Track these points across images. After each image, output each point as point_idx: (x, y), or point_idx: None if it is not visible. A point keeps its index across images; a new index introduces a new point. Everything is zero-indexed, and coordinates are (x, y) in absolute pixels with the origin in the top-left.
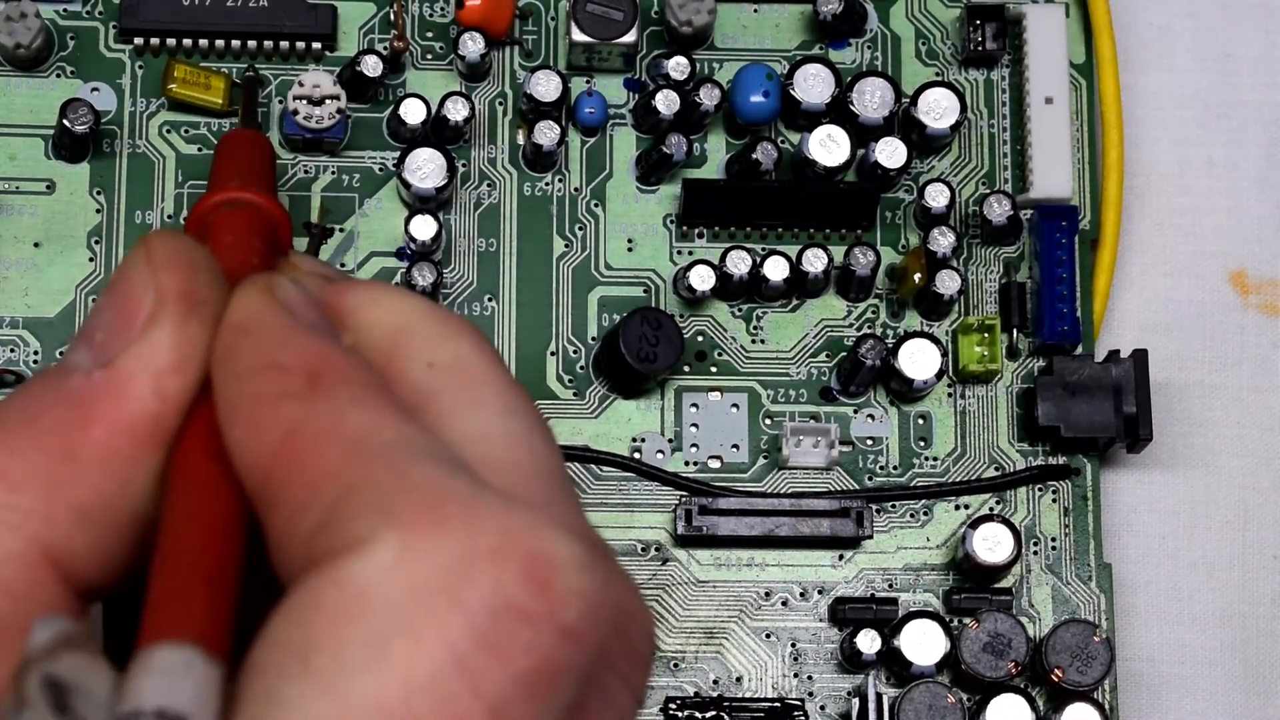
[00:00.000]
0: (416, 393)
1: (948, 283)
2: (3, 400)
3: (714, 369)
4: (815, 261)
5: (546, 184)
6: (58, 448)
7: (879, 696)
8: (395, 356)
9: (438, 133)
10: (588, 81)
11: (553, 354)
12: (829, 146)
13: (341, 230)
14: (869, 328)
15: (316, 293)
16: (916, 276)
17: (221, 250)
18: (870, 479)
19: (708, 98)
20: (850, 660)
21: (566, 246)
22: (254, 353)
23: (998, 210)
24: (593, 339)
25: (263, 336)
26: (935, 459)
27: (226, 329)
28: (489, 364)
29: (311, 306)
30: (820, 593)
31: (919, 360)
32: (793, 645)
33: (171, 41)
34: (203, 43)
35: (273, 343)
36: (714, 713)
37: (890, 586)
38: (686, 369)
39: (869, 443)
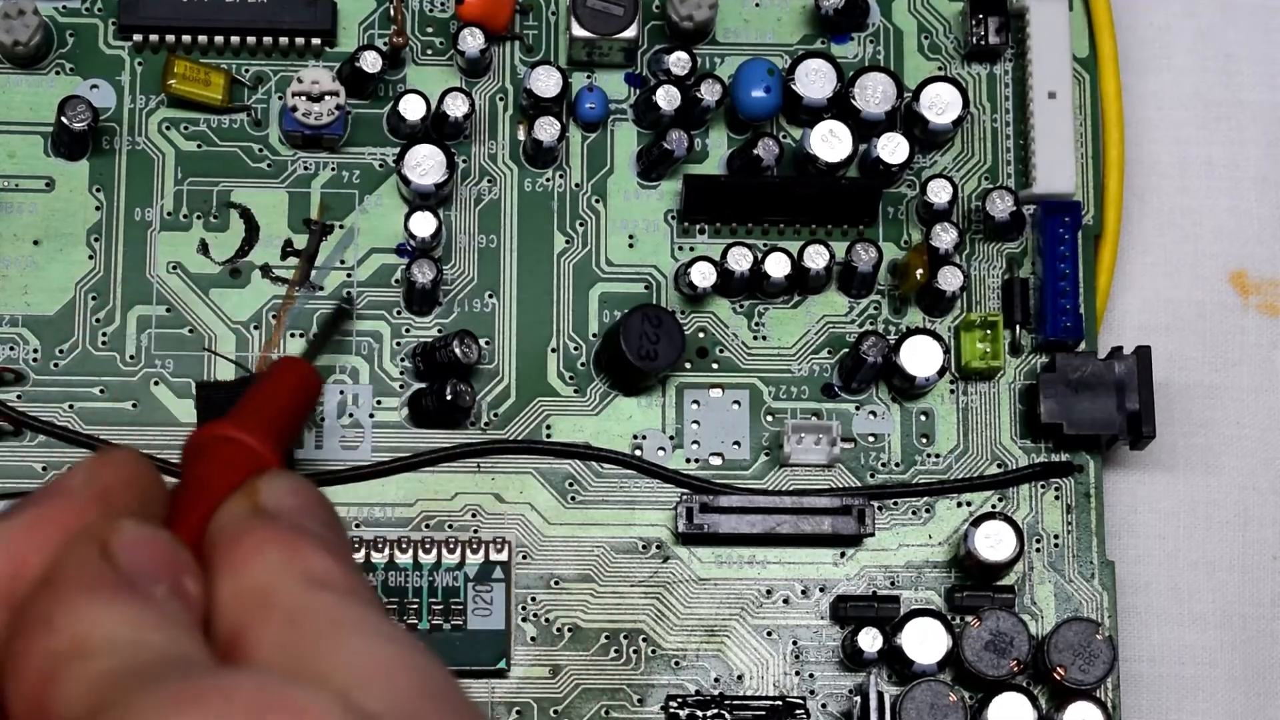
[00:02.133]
0: (287, 608)
1: (950, 279)
2: None
3: (715, 366)
4: (817, 258)
5: (547, 180)
6: None
7: (880, 695)
8: (271, 556)
9: (438, 129)
10: (588, 77)
11: (553, 351)
12: (831, 142)
13: (341, 227)
14: (871, 324)
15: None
16: (919, 273)
17: (199, 480)
18: (872, 476)
19: (709, 93)
20: (852, 658)
21: (567, 243)
22: (38, 606)
23: (1000, 206)
24: (594, 336)
25: (55, 593)
26: (937, 456)
27: (42, 582)
28: (365, 589)
29: (152, 546)
30: (821, 590)
31: (921, 357)
32: (794, 643)
33: (171, 38)
34: (202, 39)
35: (59, 602)
36: (715, 711)
37: (892, 584)
38: (688, 366)
39: (871, 440)
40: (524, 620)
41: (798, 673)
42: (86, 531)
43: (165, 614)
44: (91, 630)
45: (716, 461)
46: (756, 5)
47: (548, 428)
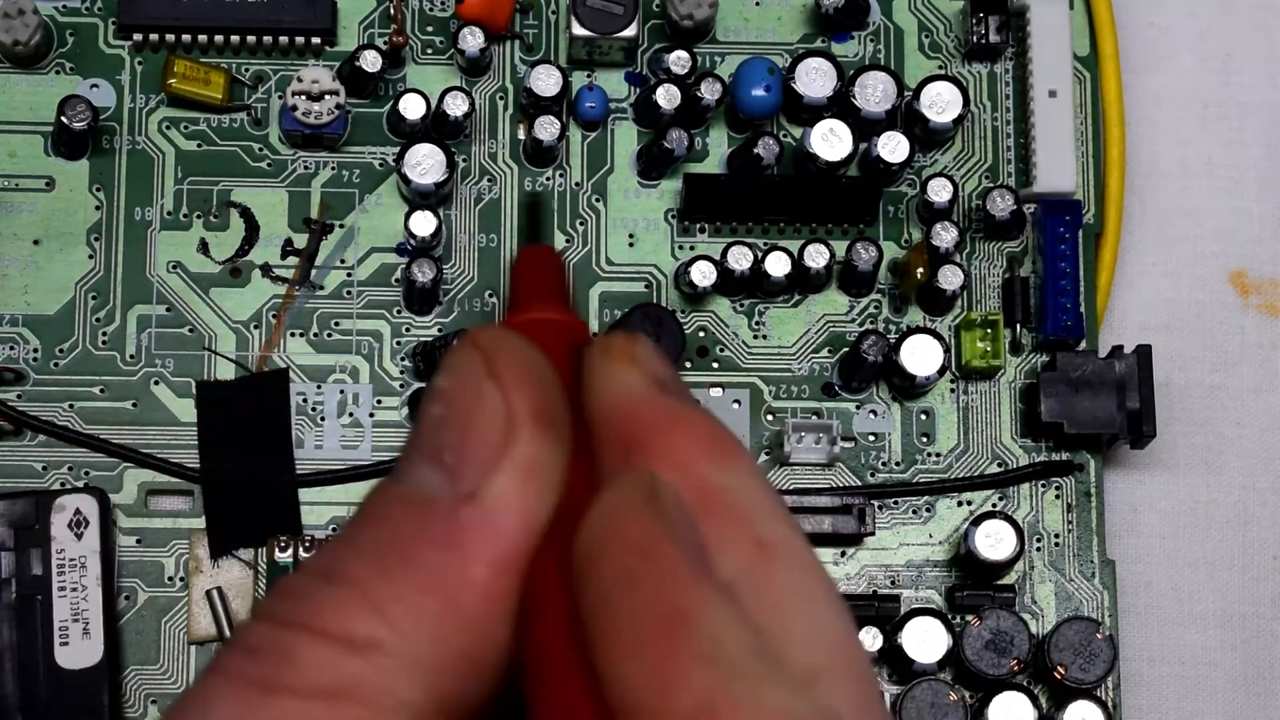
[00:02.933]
0: (738, 573)
1: (950, 278)
2: (358, 528)
3: (715, 365)
4: (817, 257)
5: (547, 179)
6: (441, 591)
7: (880, 694)
8: (716, 522)
9: (438, 128)
10: (588, 76)
11: None
12: (831, 141)
13: (341, 226)
14: (871, 323)
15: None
16: (919, 272)
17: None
18: (872, 475)
19: (709, 92)
20: None
21: (567, 242)
22: (664, 591)
23: (1001, 205)
24: (594, 335)
25: (666, 576)
26: (938, 455)
27: (629, 547)
28: (809, 548)
29: (688, 523)
30: None
31: (921, 356)
32: None
33: (171, 37)
34: (202, 38)
35: (679, 588)
36: None
37: (892, 583)
38: (688, 365)
39: (871, 439)
40: None
41: None
42: (641, 492)
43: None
44: (721, 633)
45: None
46: (757, 4)
47: None
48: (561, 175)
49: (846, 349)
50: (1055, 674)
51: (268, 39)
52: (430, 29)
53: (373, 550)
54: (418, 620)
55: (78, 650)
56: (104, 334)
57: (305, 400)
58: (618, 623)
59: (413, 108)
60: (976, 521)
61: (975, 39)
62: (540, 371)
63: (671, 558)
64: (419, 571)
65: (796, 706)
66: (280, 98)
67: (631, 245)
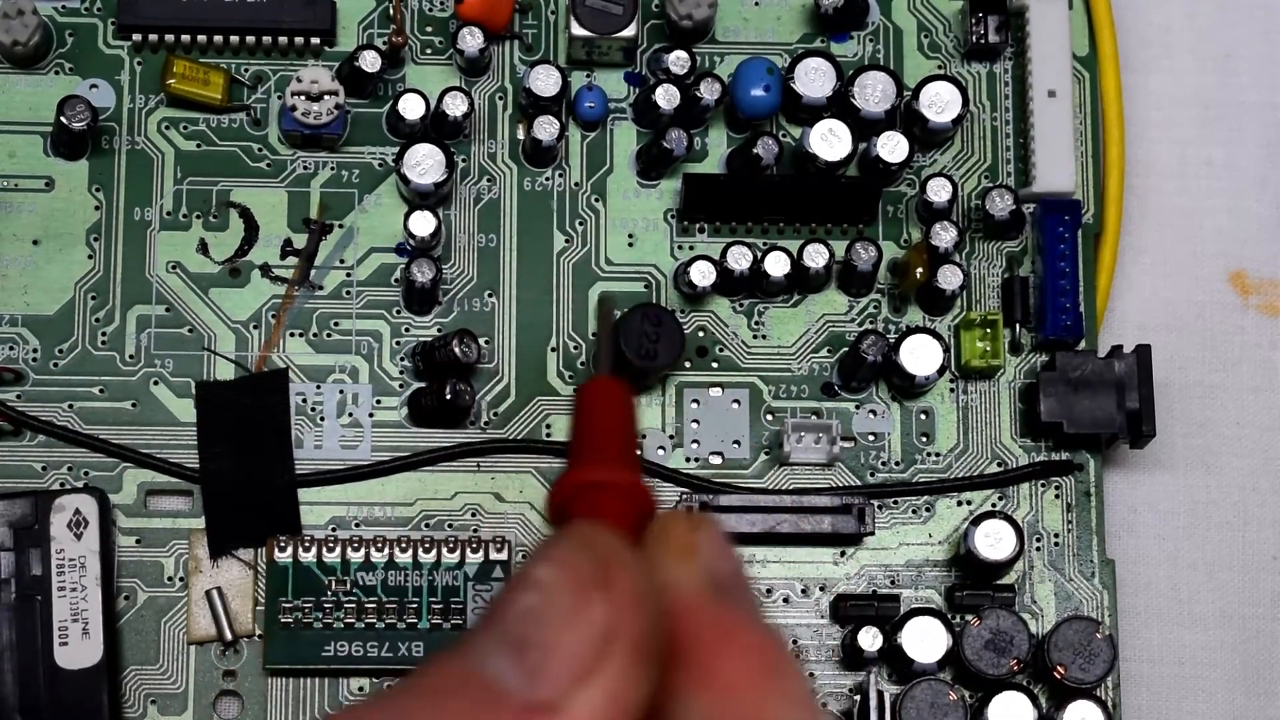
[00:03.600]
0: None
1: (950, 278)
2: (414, 700)
3: (715, 365)
4: (816, 257)
5: (546, 179)
6: None
7: (880, 694)
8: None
9: (437, 128)
10: (588, 76)
11: (553, 350)
12: (830, 141)
13: (341, 226)
14: (871, 323)
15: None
16: (918, 271)
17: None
18: (872, 475)
19: (708, 92)
20: (852, 657)
21: (567, 242)
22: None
23: (1000, 204)
24: (593, 335)
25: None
26: (937, 455)
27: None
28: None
29: None
30: (822, 589)
31: (921, 356)
32: (794, 642)
33: (170, 37)
34: (201, 38)
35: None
36: None
37: (892, 583)
38: (687, 365)
39: (871, 439)
40: None
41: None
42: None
43: None
44: None
45: (716, 460)
46: (756, 4)
47: (547, 427)
48: (561, 175)
49: (846, 349)
50: (1055, 674)
51: (267, 39)
52: (429, 29)
53: None
54: None
55: (77, 650)
56: (103, 334)
57: (305, 400)
58: None
59: (412, 108)
60: (976, 521)
61: (974, 39)
62: (649, 596)
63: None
64: None
65: None
66: (279, 98)
67: (631, 245)
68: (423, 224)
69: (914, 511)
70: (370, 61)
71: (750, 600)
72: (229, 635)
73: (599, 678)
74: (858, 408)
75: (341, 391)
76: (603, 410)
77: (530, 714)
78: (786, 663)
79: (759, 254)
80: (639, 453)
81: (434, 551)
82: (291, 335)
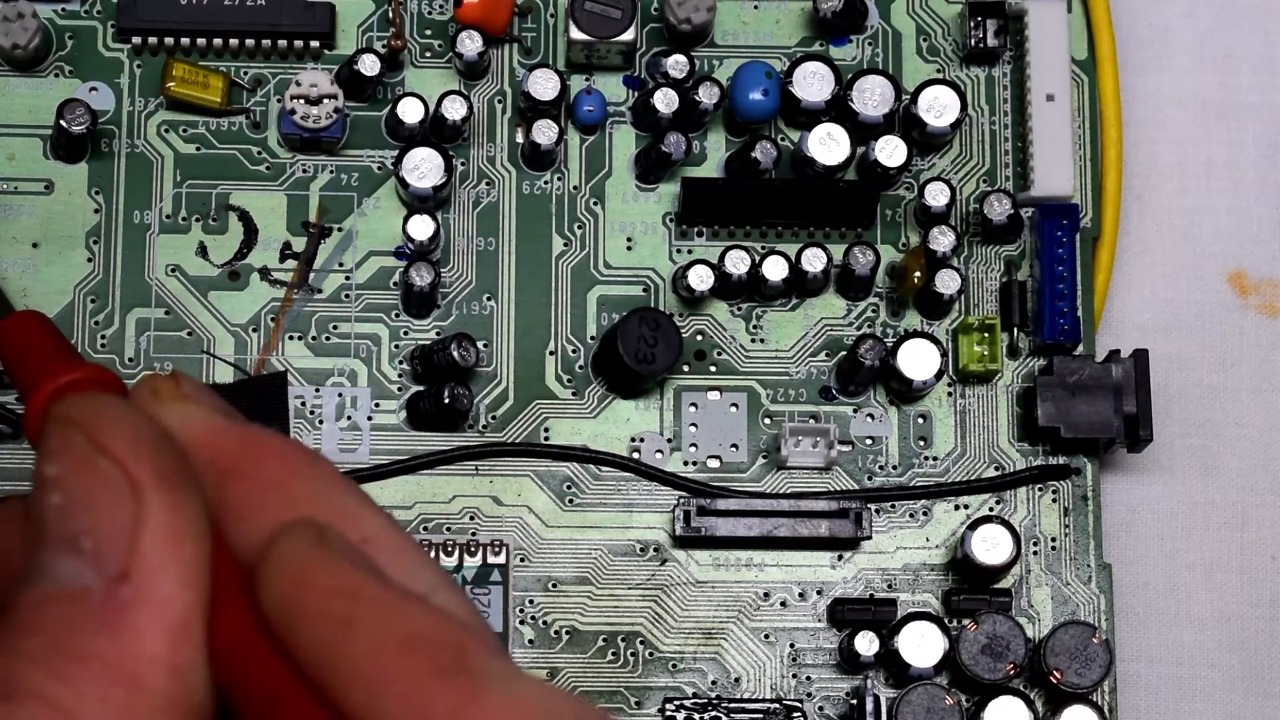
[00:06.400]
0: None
1: (948, 282)
2: (19, 639)
3: (713, 368)
4: (815, 261)
5: (545, 183)
6: (124, 678)
7: (877, 698)
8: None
9: (436, 131)
10: (586, 79)
11: (551, 353)
12: (829, 145)
13: (339, 230)
14: (869, 327)
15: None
16: (916, 276)
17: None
18: (869, 479)
19: (707, 96)
20: (849, 661)
21: (565, 245)
22: (383, 623)
23: (998, 208)
24: (592, 338)
25: (380, 605)
26: (935, 459)
27: (330, 594)
28: (399, 531)
29: (358, 550)
30: (819, 593)
31: (918, 360)
32: (791, 646)
33: (169, 41)
34: (200, 42)
35: (397, 612)
36: (712, 713)
37: (889, 587)
38: (685, 368)
39: (868, 443)
40: (522, 623)
41: (795, 675)
42: (315, 539)
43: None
44: (462, 636)
45: (714, 464)
46: (755, 8)
47: (545, 430)
48: (560, 179)
49: (844, 353)
50: (1051, 678)
51: (266, 42)
52: (428, 32)
53: (43, 657)
54: (112, 713)
55: None
56: (103, 337)
57: (304, 403)
58: (354, 663)
59: (411, 111)
60: (973, 525)
61: (973, 43)
62: (149, 429)
63: (372, 589)
64: (95, 666)
65: (547, 692)
66: (279, 101)
67: (629, 249)
68: (421, 227)
69: (911, 516)
70: (369, 65)
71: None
72: None
73: (148, 522)
74: (855, 412)
75: (340, 395)
76: (20, 340)
77: (112, 592)
78: (310, 454)
79: (757, 258)
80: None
81: (432, 555)
82: (290, 338)
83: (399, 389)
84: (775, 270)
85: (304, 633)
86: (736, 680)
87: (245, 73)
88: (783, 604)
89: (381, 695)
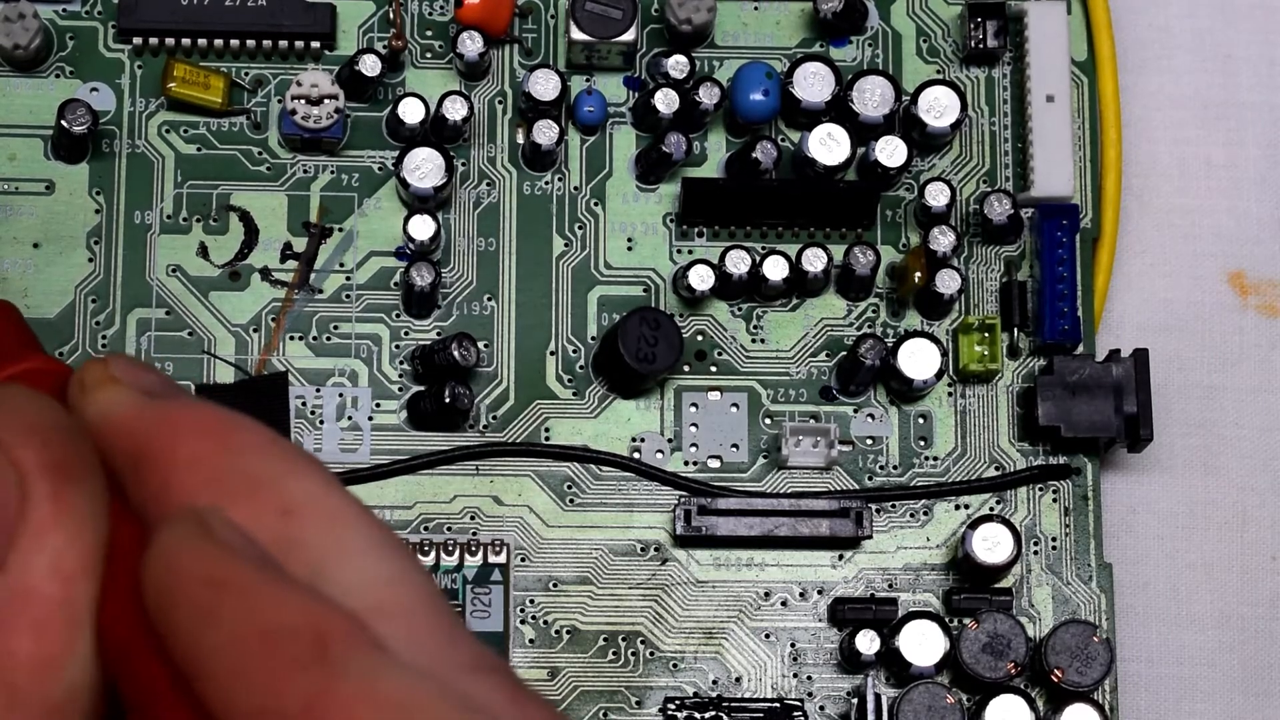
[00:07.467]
0: (275, 547)
1: (948, 282)
2: None
3: (714, 368)
4: (815, 261)
5: (546, 183)
6: None
7: (878, 697)
8: (240, 506)
9: (436, 132)
10: (587, 80)
11: (552, 354)
12: (829, 145)
13: (340, 230)
14: (869, 327)
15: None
16: (917, 276)
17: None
18: (870, 479)
19: (707, 96)
20: (849, 661)
21: (566, 246)
22: (244, 613)
23: (998, 209)
24: (592, 338)
25: (245, 594)
26: (935, 459)
27: (197, 583)
28: (342, 497)
29: (246, 537)
30: (820, 593)
31: (919, 360)
32: (792, 645)
33: (170, 41)
34: (201, 42)
35: (261, 601)
36: (713, 713)
37: (890, 587)
38: (686, 369)
39: (869, 442)
40: (522, 623)
41: (795, 675)
42: (193, 528)
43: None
44: (327, 624)
45: (715, 464)
46: (755, 9)
47: (546, 430)
48: (560, 179)
49: (844, 353)
50: (1052, 677)
51: (267, 43)
52: (429, 33)
53: None
54: None
55: None
56: (104, 337)
57: (304, 404)
58: (213, 657)
59: (412, 112)
60: (974, 525)
61: (973, 44)
62: (46, 417)
63: (241, 579)
64: None
65: (411, 684)
66: (279, 102)
67: (630, 249)
68: (422, 228)
69: (912, 515)
70: (370, 65)
71: (183, 392)
72: None
73: (27, 520)
74: (856, 411)
75: (341, 395)
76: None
77: None
78: (229, 421)
79: (758, 258)
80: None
81: (432, 554)
82: (291, 339)
83: (400, 389)
84: (776, 270)
85: (172, 624)
86: (737, 680)
87: (246, 73)
88: (783, 603)
89: (237, 690)
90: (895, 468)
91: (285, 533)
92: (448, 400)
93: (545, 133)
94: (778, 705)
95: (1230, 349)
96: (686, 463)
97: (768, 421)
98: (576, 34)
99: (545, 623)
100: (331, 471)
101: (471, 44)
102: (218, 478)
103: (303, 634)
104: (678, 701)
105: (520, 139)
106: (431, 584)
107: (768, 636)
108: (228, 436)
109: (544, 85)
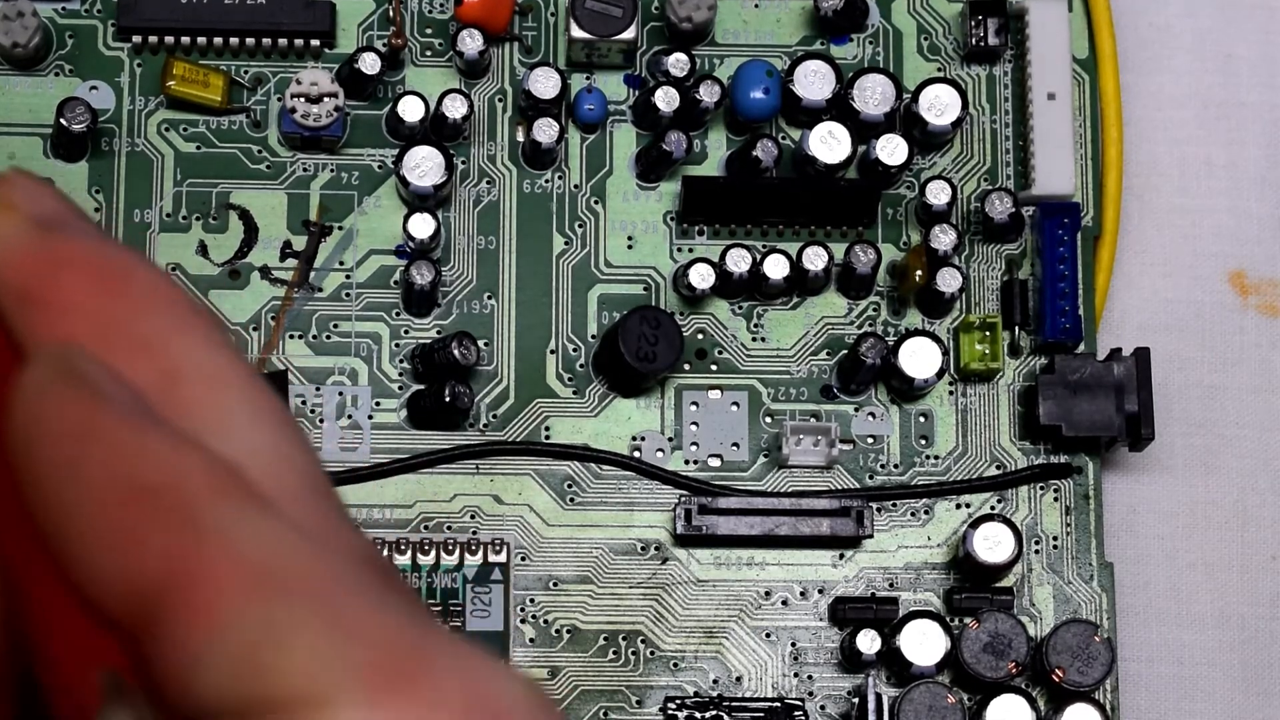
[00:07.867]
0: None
1: (949, 280)
2: None
3: (714, 367)
4: (816, 259)
5: (546, 181)
6: None
7: (879, 696)
8: (122, 358)
9: (436, 130)
10: (587, 78)
11: (552, 352)
12: (830, 143)
13: (340, 228)
14: (870, 326)
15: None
16: (918, 274)
17: None
18: (871, 478)
19: (708, 94)
20: (850, 660)
21: (566, 244)
22: (108, 466)
23: (999, 207)
24: (592, 337)
25: (111, 444)
26: (936, 458)
27: (63, 438)
28: (231, 362)
29: (118, 383)
30: (820, 592)
31: (920, 358)
32: (792, 645)
33: (170, 39)
34: (201, 40)
35: (128, 451)
36: (713, 712)
37: (890, 586)
38: (686, 367)
39: (870, 441)
40: (522, 622)
41: (796, 674)
42: (60, 371)
43: (239, 482)
44: (195, 480)
45: (715, 463)
46: (755, 6)
47: (546, 429)
48: (560, 177)
49: (845, 351)
50: (1053, 676)
51: (267, 41)
52: (429, 31)
53: None
54: None
55: None
56: None
57: (304, 402)
58: (71, 517)
59: (411, 110)
60: (975, 524)
61: (974, 41)
62: None
63: (111, 429)
64: None
65: (261, 536)
66: (279, 100)
67: (630, 247)
68: (422, 226)
69: (913, 514)
70: (370, 63)
71: (89, 227)
72: None
73: None
74: (856, 410)
75: (341, 394)
76: None
77: None
78: (125, 265)
79: (758, 256)
80: None
81: (433, 554)
82: (291, 337)
83: (400, 388)
84: (776, 269)
85: (32, 476)
86: (738, 679)
87: (245, 71)
88: (784, 603)
89: (96, 551)
90: (896, 467)
91: (166, 397)
92: (448, 399)
93: (545, 131)
94: (778, 705)
95: (1231, 349)
96: (687, 462)
97: (768, 420)
98: (577, 32)
99: (545, 622)
100: (227, 333)
101: (471, 42)
102: (100, 331)
103: (171, 491)
104: (678, 701)
105: (520, 137)
106: (318, 468)
107: (768, 636)
108: (117, 282)
109: (544, 83)
